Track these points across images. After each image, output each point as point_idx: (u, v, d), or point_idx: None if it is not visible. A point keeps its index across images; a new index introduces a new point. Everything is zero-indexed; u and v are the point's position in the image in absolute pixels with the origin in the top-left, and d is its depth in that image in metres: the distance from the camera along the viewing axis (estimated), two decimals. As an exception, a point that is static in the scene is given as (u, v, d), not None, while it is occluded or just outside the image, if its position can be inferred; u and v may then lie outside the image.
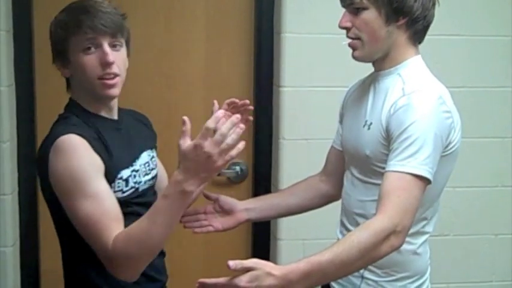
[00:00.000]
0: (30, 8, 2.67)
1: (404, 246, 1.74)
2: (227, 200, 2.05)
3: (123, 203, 1.70)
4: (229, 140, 1.43)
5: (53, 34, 1.75)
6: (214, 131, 1.44)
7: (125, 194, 1.74)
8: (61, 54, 1.74)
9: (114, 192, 1.70)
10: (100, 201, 1.61)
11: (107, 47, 1.70)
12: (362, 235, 1.53)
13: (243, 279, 1.41)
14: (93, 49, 1.70)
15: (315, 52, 2.68)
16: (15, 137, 2.67)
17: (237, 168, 2.83)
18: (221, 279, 1.42)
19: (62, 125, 1.73)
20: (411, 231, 1.73)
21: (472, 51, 2.78)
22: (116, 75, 1.72)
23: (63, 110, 1.83)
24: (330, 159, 2.07)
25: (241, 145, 1.45)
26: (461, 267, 2.90)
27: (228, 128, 1.43)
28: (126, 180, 1.75)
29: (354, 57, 1.78)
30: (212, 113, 1.96)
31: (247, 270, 1.42)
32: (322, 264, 1.48)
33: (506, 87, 2.82)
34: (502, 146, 2.85)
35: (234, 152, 1.44)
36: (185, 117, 1.48)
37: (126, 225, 1.62)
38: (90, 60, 1.70)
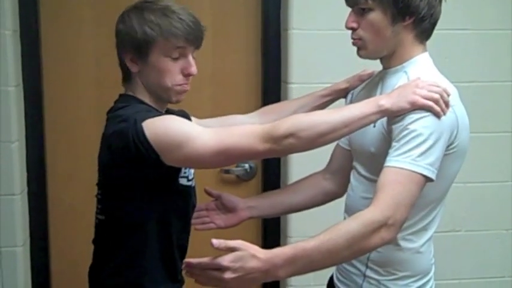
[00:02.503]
0: (36, 7, 2.67)
1: (407, 245, 1.73)
2: (229, 197, 2.05)
3: (187, 192, 1.82)
4: None
5: (136, 30, 1.72)
6: (233, 250, 1.43)
7: (189, 183, 1.81)
8: (139, 51, 1.74)
9: (181, 177, 1.78)
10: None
11: (191, 59, 1.76)
12: (351, 225, 1.51)
13: (226, 259, 1.41)
14: (177, 56, 1.74)
15: (322, 48, 2.66)
16: (23, 137, 2.67)
17: (246, 166, 2.83)
18: (205, 259, 1.42)
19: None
20: (414, 229, 1.73)
21: (480, 45, 2.76)
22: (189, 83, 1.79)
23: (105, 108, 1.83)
24: (335, 157, 2.06)
25: None
26: (473, 263, 2.89)
27: None
28: (190, 170, 1.82)
29: (359, 55, 1.77)
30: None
31: (232, 250, 1.42)
32: (307, 251, 1.46)
33: (516, 81, 2.81)
34: (513, 140, 2.83)
35: None
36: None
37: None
38: (173, 67, 1.74)
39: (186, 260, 1.45)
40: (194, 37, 1.74)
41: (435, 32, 1.78)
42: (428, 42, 1.79)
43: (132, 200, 1.74)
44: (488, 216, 2.86)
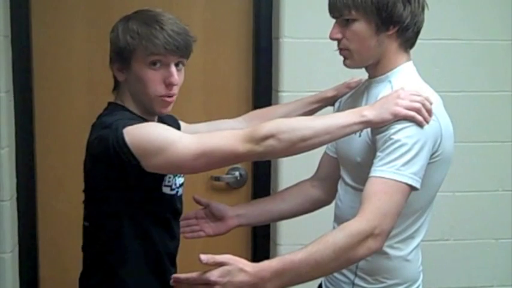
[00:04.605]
0: (28, 13, 2.67)
1: (395, 253, 1.74)
2: (218, 206, 2.06)
3: (169, 201, 1.80)
4: None
5: (119, 39, 1.73)
6: (221, 264, 1.43)
7: (173, 192, 1.80)
8: (123, 60, 1.74)
9: (165, 186, 1.76)
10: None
11: (173, 68, 1.73)
12: (338, 236, 1.51)
13: (214, 274, 1.41)
14: (158, 65, 1.72)
15: (313, 57, 2.67)
16: (13, 143, 2.66)
17: (236, 173, 2.83)
18: (193, 274, 1.43)
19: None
20: (401, 237, 1.74)
21: (472, 55, 2.77)
22: (174, 95, 1.75)
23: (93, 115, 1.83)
24: (322, 164, 2.07)
25: None
26: (462, 272, 2.89)
27: None
28: (175, 179, 1.80)
29: (346, 65, 1.78)
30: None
31: (220, 264, 1.42)
32: (295, 263, 1.47)
33: (506, 91, 2.81)
34: (502, 150, 2.84)
35: None
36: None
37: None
38: (154, 75, 1.72)
39: (174, 275, 1.46)
40: (174, 46, 1.70)
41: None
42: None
43: (111, 206, 1.73)
44: (477, 225, 2.87)
